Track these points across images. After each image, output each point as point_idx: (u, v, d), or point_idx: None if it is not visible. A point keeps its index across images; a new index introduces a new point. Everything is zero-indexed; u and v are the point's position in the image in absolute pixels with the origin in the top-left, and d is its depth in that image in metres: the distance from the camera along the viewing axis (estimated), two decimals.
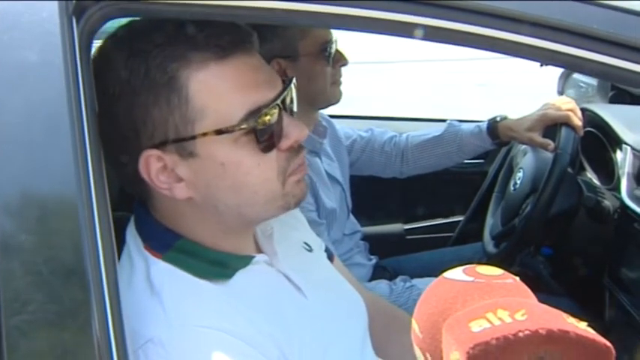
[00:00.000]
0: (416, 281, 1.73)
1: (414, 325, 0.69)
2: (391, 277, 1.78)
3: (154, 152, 0.84)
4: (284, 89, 0.87)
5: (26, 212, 0.69)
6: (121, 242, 0.91)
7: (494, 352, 0.58)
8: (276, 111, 0.85)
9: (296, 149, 0.89)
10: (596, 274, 1.74)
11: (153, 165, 0.84)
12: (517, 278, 0.69)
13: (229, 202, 0.88)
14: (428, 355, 0.67)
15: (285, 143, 0.87)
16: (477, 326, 0.60)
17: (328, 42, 1.61)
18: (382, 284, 1.72)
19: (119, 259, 0.86)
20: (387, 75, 8.74)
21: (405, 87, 7.98)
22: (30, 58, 0.70)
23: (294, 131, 0.87)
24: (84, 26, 0.74)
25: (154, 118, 0.82)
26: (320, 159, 1.72)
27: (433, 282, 0.70)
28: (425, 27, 0.80)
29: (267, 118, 0.84)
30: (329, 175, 1.73)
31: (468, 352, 0.58)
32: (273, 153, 0.86)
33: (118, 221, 0.90)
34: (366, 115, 2.69)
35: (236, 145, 0.83)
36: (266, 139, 0.85)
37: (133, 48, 0.82)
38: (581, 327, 0.60)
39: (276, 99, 0.85)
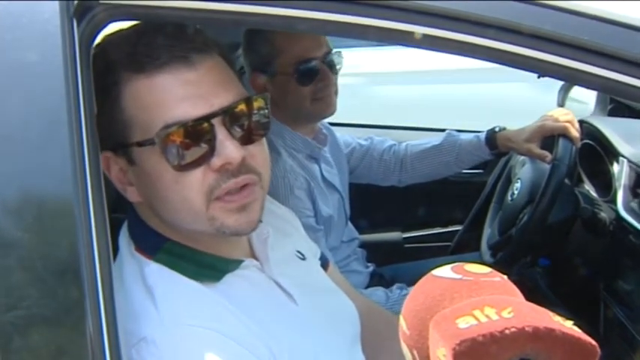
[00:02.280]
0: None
1: (402, 322, 0.69)
2: (388, 285, 1.78)
3: (109, 154, 0.87)
4: (227, 108, 0.84)
5: (23, 210, 0.70)
6: (118, 243, 0.92)
7: (480, 348, 0.58)
8: (207, 129, 0.82)
9: (232, 172, 0.84)
10: (593, 285, 1.74)
11: (113, 166, 0.87)
12: (505, 277, 0.69)
13: (162, 212, 0.88)
14: (415, 352, 0.67)
15: (215, 162, 0.83)
16: (464, 323, 0.60)
17: (303, 61, 1.58)
18: (379, 292, 1.72)
19: (115, 259, 0.88)
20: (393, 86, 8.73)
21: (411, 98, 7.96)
22: (30, 58, 0.71)
23: (225, 152, 0.83)
24: (84, 28, 0.75)
25: (106, 122, 0.84)
26: (319, 166, 1.73)
27: (421, 279, 0.70)
28: (422, 36, 0.81)
29: (181, 135, 0.81)
30: (327, 182, 1.74)
31: (454, 349, 0.58)
32: (197, 171, 0.83)
33: (117, 223, 0.91)
34: (366, 123, 2.69)
35: (160, 158, 0.83)
36: (179, 156, 0.82)
37: (105, 50, 0.85)
38: (567, 325, 0.60)
39: (203, 117, 0.82)
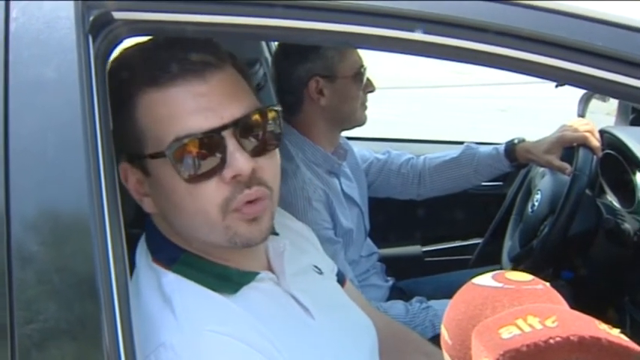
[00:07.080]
0: (432, 302, 1.72)
1: (444, 332, 0.68)
2: (408, 299, 1.77)
3: (126, 165, 0.88)
4: (238, 120, 0.84)
5: (40, 224, 0.71)
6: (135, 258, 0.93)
7: (524, 359, 0.57)
8: (218, 141, 0.83)
9: (245, 183, 0.85)
10: (617, 298, 1.71)
11: (130, 177, 0.88)
12: (547, 284, 0.67)
13: (177, 223, 0.89)
14: None
15: (226, 174, 0.84)
16: (507, 333, 0.59)
17: (361, 67, 1.66)
18: (398, 304, 1.71)
19: (132, 272, 0.88)
20: (411, 100, 8.74)
21: (429, 111, 7.97)
22: (47, 74, 0.72)
23: (235, 163, 0.83)
24: (100, 44, 0.76)
25: (122, 134, 0.85)
26: (339, 180, 1.73)
27: (462, 288, 0.69)
28: (444, 46, 0.81)
29: (192, 147, 0.82)
30: (347, 196, 1.74)
31: (498, 359, 0.57)
32: (210, 183, 0.84)
33: (135, 238, 0.92)
34: (383, 137, 2.69)
35: (173, 170, 0.84)
36: (191, 168, 0.83)
37: (121, 63, 0.87)
38: (614, 334, 0.58)
39: (214, 129, 0.83)
